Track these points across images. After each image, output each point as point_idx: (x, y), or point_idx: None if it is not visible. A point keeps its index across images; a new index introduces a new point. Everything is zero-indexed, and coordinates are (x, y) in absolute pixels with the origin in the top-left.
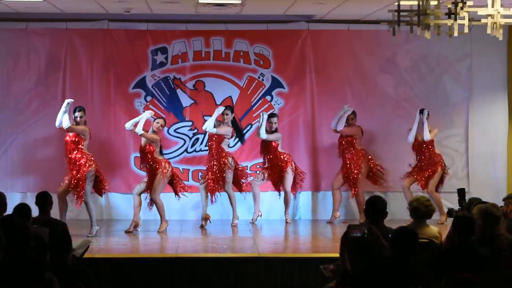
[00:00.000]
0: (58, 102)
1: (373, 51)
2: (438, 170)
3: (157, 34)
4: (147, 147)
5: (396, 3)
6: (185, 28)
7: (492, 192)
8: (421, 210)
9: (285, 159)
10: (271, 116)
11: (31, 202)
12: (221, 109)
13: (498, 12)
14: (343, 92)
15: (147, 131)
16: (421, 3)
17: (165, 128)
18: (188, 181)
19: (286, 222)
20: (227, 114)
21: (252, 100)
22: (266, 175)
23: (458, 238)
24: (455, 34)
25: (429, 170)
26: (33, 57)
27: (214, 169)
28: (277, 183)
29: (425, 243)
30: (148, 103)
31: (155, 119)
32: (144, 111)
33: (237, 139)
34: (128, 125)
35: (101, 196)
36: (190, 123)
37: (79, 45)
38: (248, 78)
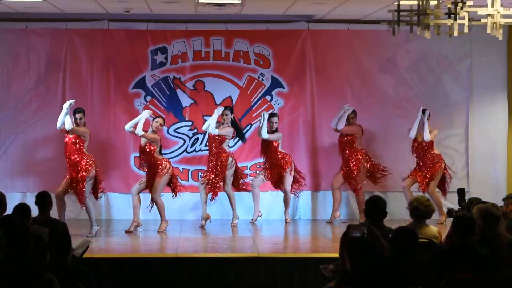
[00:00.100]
0: (58, 102)
1: (373, 51)
2: (438, 170)
3: (157, 34)
4: (147, 146)
5: (396, 3)
6: (185, 28)
7: (492, 192)
8: (421, 210)
9: (285, 159)
10: (271, 115)
11: (31, 202)
12: (220, 109)
13: (498, 12)
14: (343, 92)
15: (147, 131)
16: (421, 3)
17: (165, 128)
18: (188, 181)
19: (286, 222)
20: (226, 115)
21: (252, 100)
22: (265, 175)
23: (458, 238)
24: (455, 34)
25: (429, 172)
26: (33, 57)
27: (215, 170)
28: (277, 183)
29: (425, 243)
30: (148, 103)
31: (154, 119)
32: (143, 111)
33: (237, 139)
34: (128, 126)
35: (97, 199)
36: (189, 123)
37: (79, 45)
38: (248, 78)
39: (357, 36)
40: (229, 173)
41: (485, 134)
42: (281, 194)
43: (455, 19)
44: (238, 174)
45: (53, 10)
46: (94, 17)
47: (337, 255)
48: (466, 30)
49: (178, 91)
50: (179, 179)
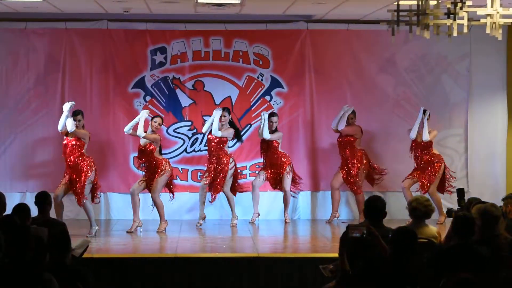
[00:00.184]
0: (57, 102)
1: (373, 51)
2: (438, 171)
3: (156, 34)
4: (148, 146)
5: (396, 3)
6: (184, 28)
7: (492, 192)
8: (420, 210)
9: (285, 159)
10: (271, 115)
11: (30, 202)
12: (219, 111)
13: (497, 12)
14: (343, 92)
15: (146, 131)
16: (420, 3)
17: (164, 128)
18: (188, 181)
19: (286, 222)
20: (224, 116)
21: (251, 100)
22: (266, 175)
23: (458, 238)
24: (455, 34)
25: (429, 172)
26: (33, 57)
27: (216, 172)
28: (276, 183)
29: (424, 243)
30: (147, 103)
31: (152, 118)
32: (141, 111)
33: (235, 139)
34: (127, 128)
35: (93, 202)
36: (189, 123)
37: (78, 45)
38: (247, 78)
39: (357, 36)
40: (229, 174)
41: (484, 134)
42: (280, 194)
43: (455, 19)
44: (235, 176)
45: (53, 10)
46: (93, 17)
47: (336, 255)
48: (465, 30)
49: (178, 91)
50: (178, 179)
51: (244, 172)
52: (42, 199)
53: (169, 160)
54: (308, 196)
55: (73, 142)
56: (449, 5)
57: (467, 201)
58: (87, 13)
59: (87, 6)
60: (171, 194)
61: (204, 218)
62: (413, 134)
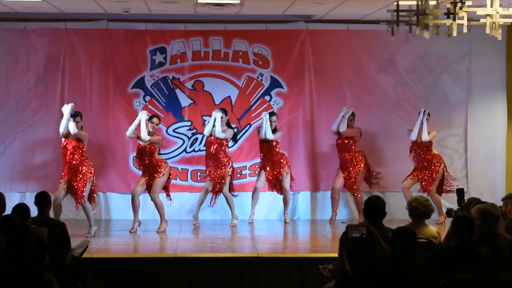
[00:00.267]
0: (57, 102)
1: (372, 51)
2: (439, 171)
3: (156, 34)
4: (149, 147)
5: (395, 3)
6: (184, 28)
7: (491, 192)
8: (420, 210)
9: (283, 159)
10: (270, 115)
11: (30, 202)
12: (219, 112)
13: (497, 12)
14: (342, 92)
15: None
16: (420, 3)
17: (164, 128)
18: (187, 181)
19: (285, 222)
20: (222, 117)
21: (251, 100)
22: (266, 176)
23: (458, 238)
24: (454, 34)
25: (429, 172)
26: (32, 57)
27: (216, 174)
28: (275, 184)
29: (424, 243)
30: (147, 103)
31: (149, 119)
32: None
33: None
34: (129, 133)
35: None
36: (189, 123)
37: (78, 45)
38: (247, 78)
39: (356, 36)
40: (228, 175)
41: (484, 134)
42: (280, 194)
43: (454, 19)
44: (232, 176)
45: (52, 10)
46: (93, 17)
47: (336, 255)
48: (465, 30)
49: (177, 91)
50: (178, 179)
51: (244, 172)
52: (42, 199)
53: (169, 160)
54: (308, 196)
55: (74, 145)
56: (448, 5)
57: (467, 201)
58: (87, 13)
59: (87, 6)
60: (168, 198)
61: (197, 218)
62: (413, 136)
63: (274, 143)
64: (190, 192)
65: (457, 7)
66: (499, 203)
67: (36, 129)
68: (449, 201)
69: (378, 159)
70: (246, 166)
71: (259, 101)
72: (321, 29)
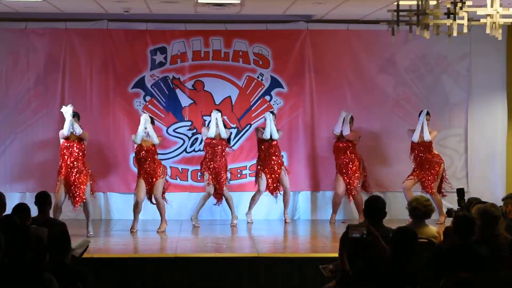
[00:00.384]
0: (57, 102)
1: (373, 51)
2: (439, 171)
3: (156, 34)
4: (150, 147)
5: (395, 3)
6: (184, 28)
7: (491, 192)
8: (420, 210)
9: (281, 158)
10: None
11: (30, 202)
12: (219, 113)
13: (497, 12)
14: (343, 92)
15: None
16: (420, 3)
17: (164, 128)
18: (187, 181)
19: (285, 222)
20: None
21: (251, 100)
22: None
23: (458, 238)
24: (454, 34)
25: (430, 172)
26: (33, 57)
27: (218, 176)
28: (274, 183)
29: (424, 243)
30: (147, 103)
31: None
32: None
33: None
34: (138, 139)
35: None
36: (189, 123)
37: (78, 45)
38: (247, 78)
39: (357, 36)
40: (227, 175)
41: (484, 134)
42: (279, 195)
43: (455, 19)
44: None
45: (53, 10)
46: (93, 17)
47: (336, 255)
48: (465, 30)
49: (178, 91)
50: (178, 179)
51: (244, 172)
52: (42, 199)
53: (169, 160)
54: (308, 196)
55: (77, 145)
56: (449, 5)
57: (467, 201)
58: (87, 13)
59: (87, 6)
60: (164, 199)
61: (197, 219)
62: (415, 138)
63: (274, 143)
64: (190, 192)
65: (457, 7)
66: (500, 203)
67: (36, 129)
68: (449, 201)
69: (378, 159)
70: (246, 166)
71: (260, 101)
72: (321, 29)
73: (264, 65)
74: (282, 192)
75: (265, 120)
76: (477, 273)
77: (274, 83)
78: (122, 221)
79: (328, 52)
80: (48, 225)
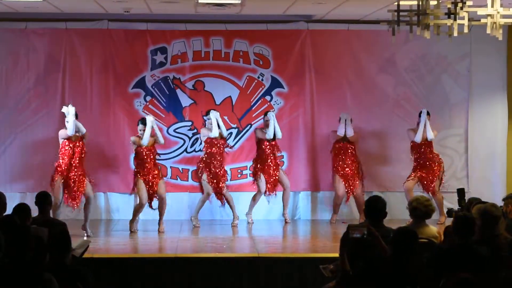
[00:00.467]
0: (57, 102)
1: (373, 51)
2: (440, 170)
3: (157, 34)
4: (151, 148)
5: (396, 3)
6: (184, 28)
7: (492, 192)
8: (420, 210)
9: (281, 159)
10: (266, 114)
11: (30, 202)
12: (218, 112)
13: (498, 12)
14: (343, 92)
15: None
16: (420, 3)
17: (165, 128)
18: (188, 181)
19: (286, 222)
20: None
21: (251, 100)
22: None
23: (458, 238)
24: (455, 34)
25: (431, 171)
26: (33, 57)
27: (218, 176)
28: (271, 183)
29: (425, 243)
30: (147, 103)
31: (138, 125)
32: (146, 114)
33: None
34: (145, 141)
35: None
36: (189, 123)
37: (78, 45)
38: (247, 78)
39: (357, 36)
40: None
41: (484, 134)
42: (279, 194)
43: (455, 19)
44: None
45: (53, 10)
46: (93, 17)
47: (336, 255)
48: (466, 30)
49: (178, 91)
50: (179, 179)
51: (244, 172)
52: (43, 199)
53: (170, 160)
54: (308, 196)
55: (80, 145)
56: (449, 5)
57: (468, 201)
58: (87, 13)
59: (87, 6)
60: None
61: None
62: (418, 138)
63: (274, 143)
64: (191, 192)
65: (457, 7)
66: (500, 203)
67: (36, 129)
68: (449, 201)
69: (378, 159)
70: (246, 166)
71: (260, 101)
72: (321, 29)
73: (265, 65)
74: (276, 193)
75: (268, 119)
76: (477, 273)
77: (275, 83)
78: (122, 221)
79: (328, 52)
80: (48, 225)
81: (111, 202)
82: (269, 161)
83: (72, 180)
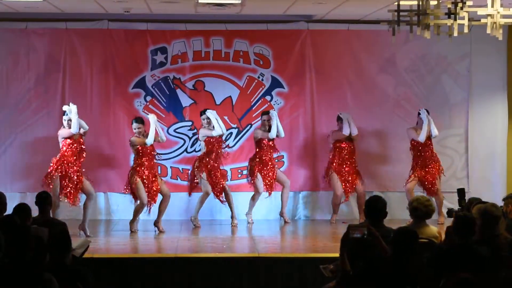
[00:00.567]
0: (57, 102)
1: (373, 51)
2: (440, 169)
3: (157, 34)
4: (151, 147)
5: (396, 3)
6: (184, 28)
7: (492, 192)
8: (421, 210)
9: (280, 159)
10: (264, 114)
11: (30, 202)
12: (214, 111)
13: (498, 12)
14: (343, 92)
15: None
16: (421, 3)
17: (165, 128)
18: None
19: (285, 222)
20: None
21: (252, 100)
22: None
23: (458, 238)
24: (455, 34)
25: (432, 171)
26: (33, 57)
27: (217, 172)
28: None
29: (425, 243)
30: (147, 103)
31: (133, 123)
32: (146, 114)
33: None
34: (150, 141)
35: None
36: (189, 123)
37: (78, 45)
38: (247, 78)
39: (357, 36)
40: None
41: (484, 134)
42: (275, 195)
43: (455, 19)
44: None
45: (53, 10)
46: (93, 17)
47: (337, 255)
48: (466, 30)
49: (178, 91)
50: (179, 179)
51: (244, 172)
52: (43, 199)
53: (170, 160)
54: (308, 196)
55: (81, 143)
56: (449, 5)
57: (468, 201)
58: (88, 13)
59: (88, 6)
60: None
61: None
62: (422, 138)
63: (272, 143)
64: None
65: (458, 7)
66: (500, 203)
67: (37, 129)
68: (449, 201)
69: (378, 159)
70: (246, 166)
71: (260, 101)
72: (321, 29)
73: (265, 65)
74: (272, 194)
75: (267, 119)
76: (477, 273)
77: (275, 83)
78: (122, 221)
79: (328, 52)
80: (49, 225)
81: (111, 202)
82: (267, 160)
83: (71, 177)
